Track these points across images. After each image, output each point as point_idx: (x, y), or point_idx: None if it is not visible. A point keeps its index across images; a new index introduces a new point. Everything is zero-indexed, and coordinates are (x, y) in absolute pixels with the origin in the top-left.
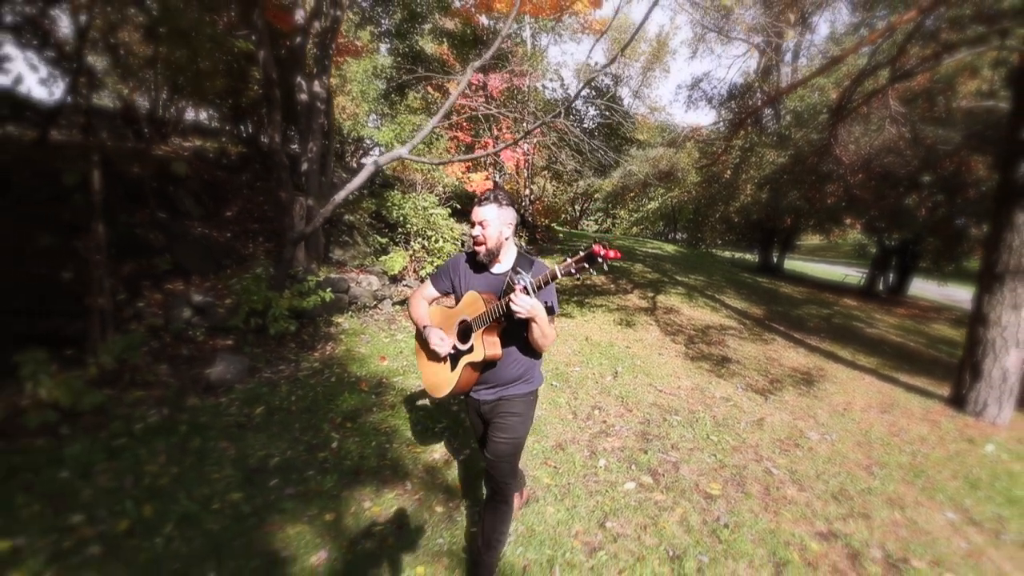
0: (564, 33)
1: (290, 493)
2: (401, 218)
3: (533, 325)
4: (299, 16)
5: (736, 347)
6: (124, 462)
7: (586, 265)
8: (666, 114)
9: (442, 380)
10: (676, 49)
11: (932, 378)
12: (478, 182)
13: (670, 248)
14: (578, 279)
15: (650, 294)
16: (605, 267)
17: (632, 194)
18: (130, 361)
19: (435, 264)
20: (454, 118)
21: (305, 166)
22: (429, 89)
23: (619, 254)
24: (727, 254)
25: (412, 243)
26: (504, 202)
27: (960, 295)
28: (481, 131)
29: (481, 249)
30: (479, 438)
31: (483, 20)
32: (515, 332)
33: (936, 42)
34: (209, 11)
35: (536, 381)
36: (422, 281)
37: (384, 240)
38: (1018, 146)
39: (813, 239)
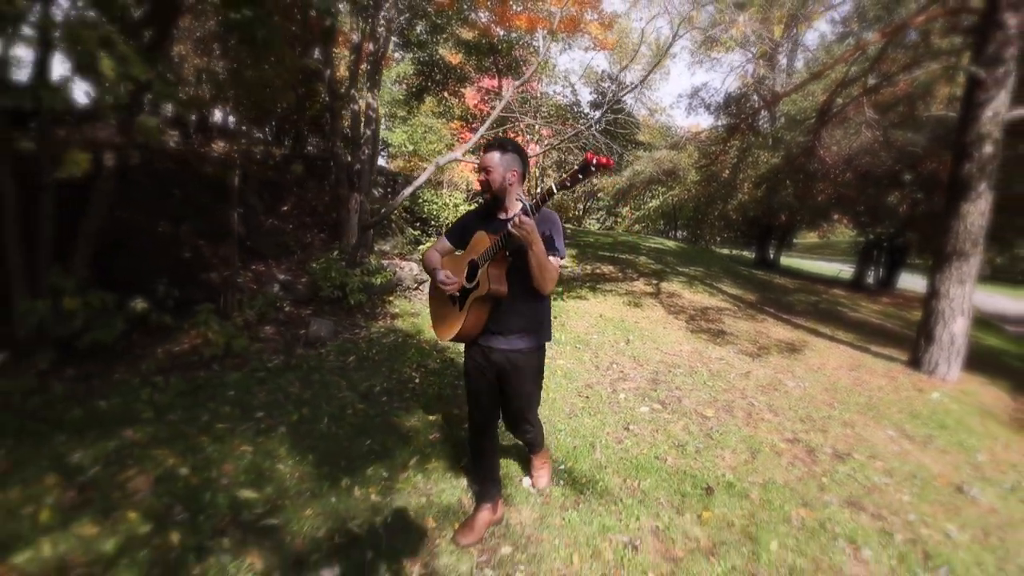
0: (574, 45)
1: (397, 406)
2: (432, 213)
3: (531, 257)
4: (355, 38)
5: (730, 323)
6: (270, 387)
7: (580, 176)
8: (666, 115)
9: (452, 321)
10: (676, 53)
11: (899, 349)
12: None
13: (671, 244)
14: (571, 188)
15: (654, 282)
16: (596, 173)
17: (635, 192)
18: (255, 319)
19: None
20: (473, 124)
21: (358, 166)
22: (445, 94)
23: (612, 161)
24: (725, 251)
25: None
26: (508, 148)
27: (910, 281)
28: (502, 133)
29: (487, 195)
30: (478, 407)
31: (498, 31)
32: (520, 278)
33: (895, 63)
34: (288, 43)
35: (544, 336)
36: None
37: (416, 232)
38: (962, 149)
39: (811, 238)
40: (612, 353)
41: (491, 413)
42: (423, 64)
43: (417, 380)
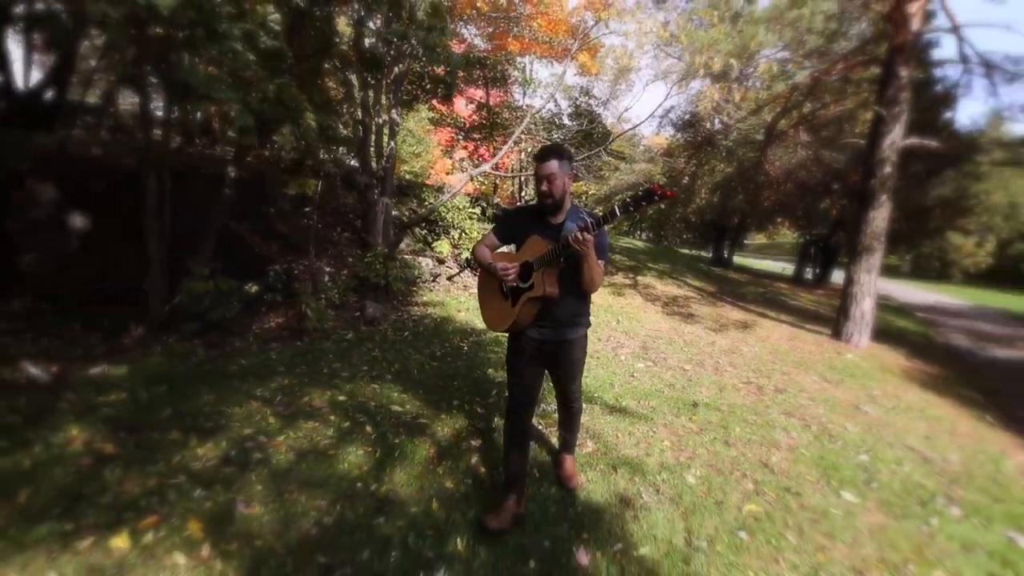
0: (563, 70)
1: (463, 363)
2: (438, 216)
3: (584, 265)
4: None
5: (696, 308)
6: (358, 352)
7: (643, 202)
8: (632, 123)
9: (504, 315)
10: (640, 68)
11: (826, 327)
12: (458, 180)
13: (640, 243)
14: (634, 213)
15: (631, 276)
16: (660, 202)
17: (616, 198)
18: (334, 301)
19: (470, 250)
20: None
21: (382, 173)
22: (434, 104)
23: (673, 194)
24: (686, 250)
25: (452, 233)
26: (564, 155)
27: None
28: (489, 141)
29: (549, 201)
30: (520, 389)
31: (480, 44)
32: (569, 277)
33: (826, 94)
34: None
35: (587, 324)
36: (466, 261)
37: (423, 232)
38: (868, 168)
39: (759, 239)
40: (607, 330)
41: (531, 396)
42: (415, 75)
43: (466, 348)
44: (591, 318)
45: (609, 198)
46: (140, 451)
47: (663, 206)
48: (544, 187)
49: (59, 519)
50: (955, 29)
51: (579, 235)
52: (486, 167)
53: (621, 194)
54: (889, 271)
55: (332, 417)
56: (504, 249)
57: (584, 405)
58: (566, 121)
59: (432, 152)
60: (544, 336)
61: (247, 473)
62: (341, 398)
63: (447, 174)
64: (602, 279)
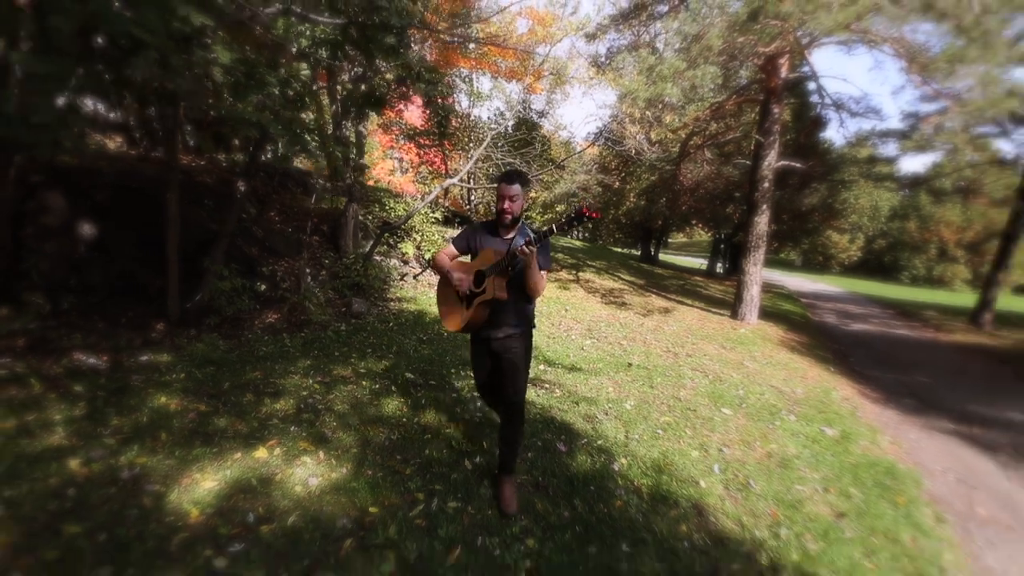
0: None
1: (447, 346)
2: (397, 219)
3: (529, 272)
4: (347, 77)
5: (629, 298)
6: (356, 340)
7: (575, 222)
8: (568, 132)
9: (458, 316)
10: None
11: (728, 310)
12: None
13: (578, 243)
14: (568, 232)
15: (574, 272)
16: (589, 224)
17: (558, 204)
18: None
19: (433, 252)
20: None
21: (351, 181)
22: (388, 112)
23: (599, 215)
24: (618, 249)
25: (414, 236)
26: (526, 181)
27: (765, 272)
28: (443, 148)
29: (508, 217)
30: (482, 383)
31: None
32: (516, 284)
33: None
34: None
35: (530, 324)
36: (429, 262)
37: (386, 236)
38: (753, 183)
39: (680, 238)
40: (559, 317)
41: (490, 386)
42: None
43: (446, 334)
44: (536, 322)
45: (554, 203)
46: (229, 407)
47: (590, 225)
48: (506, 205)
49: (202, 446)
50: (814, 76)
51: (524, 248)
52: (454, 180)
53: (561, 201)
54: (786, 265)
55: (363, 383)
56: (462, 259)
57: (546, 368)
58: (509, 129)
59: (372, 153)
60: (493, 334)
61: (320, 417)
62: (362, 371)
63: (390, 173)
64: (545, 286)
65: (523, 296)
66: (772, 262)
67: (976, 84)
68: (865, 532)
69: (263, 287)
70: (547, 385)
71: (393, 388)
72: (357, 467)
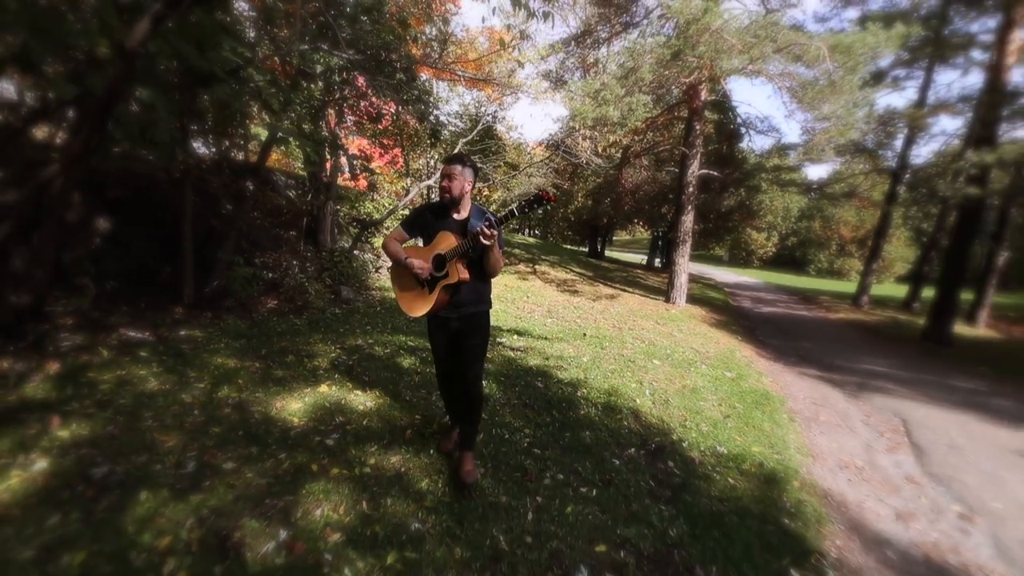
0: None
1: None
2: (367, 215)
3: (490, 254)
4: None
5: (580, 287)
6: (352, 320)
7: (536, 204)
8: (518, 133)
9: (421, 302)
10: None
11: (663, 296)
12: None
13: (531, 240)
14: (528, 213)
15: (531, 265)
16: (547, 205)
17: (513, 202)
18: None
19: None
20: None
21: (327, 181)
22: (345, 109)
23: (555, 198)
24: (568, 246)
25: (384, 231)
26: (467, 163)
27: (694, 267)
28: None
29: (446, 196)
30: (442, 360)
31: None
32: (475, 265)
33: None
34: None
35: (488, 303)
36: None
37: (355, 230)
38: (680, 187)
39: (624, 235)
40: (522, 303)
41: (450, 366)
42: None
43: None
44: (500, 307)
45: (512, 202)
46: (279, 365)
47: (548, 208)
48: (444, 183)
49: (276, 386)
50: (727, 101)
51: (486, 231)
52: (430, 181)
53: (517, 200)
54: (715, 260)
55: (376, 348)
56: (411, 243)
57: (519, 337)
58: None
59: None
60: (454, 314)
61: (353, 370)
62: (371, 341)
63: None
64: (502, 264)
65: (481, 276)
66: (704, 258)
67: (835, 115)
68: (741, 424)
69: (270, 275)
70: (522, 349)
71: (402, 351)
72: (395, 398)
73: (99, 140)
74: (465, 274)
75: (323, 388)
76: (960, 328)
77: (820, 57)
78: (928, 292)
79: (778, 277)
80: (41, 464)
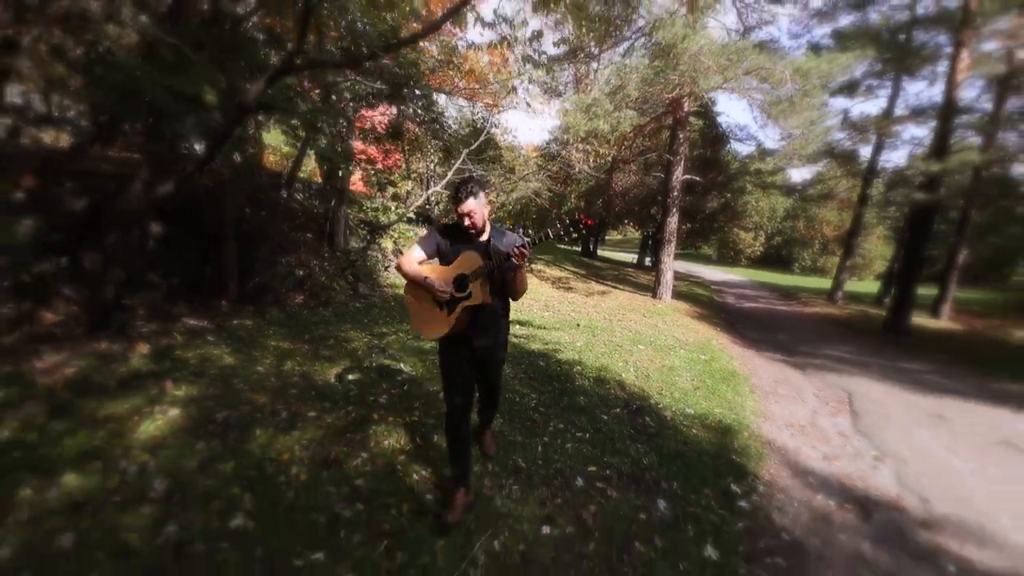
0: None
1: None
2: (375, 219)
3: (517, 276)
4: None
5: (574, 284)
6: (373, 312)
7: (571, 229)
8: (512, 136)
9: (438, 324)
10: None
11: (651, 293)
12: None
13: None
14: (564, 239)
15: (526, 264)
16: (583, 230)
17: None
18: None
19: (405, 245)
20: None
21: (340, 187)
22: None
23: (592, 221)
24: (562, 246)
25: (391, 232)
26: (478, 192)
27: (683, 265)
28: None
29: (472, 232)
30: (459, 390)
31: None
32: (498, 287)
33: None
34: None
35: (508, 326)
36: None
37: (364, 232)
38: (665, 191)
39: (617, 235)
40: (522, 299)
41: (469, 399)
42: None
43: None
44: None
45: (513, 204)
46: (324, 346)
47: (584, 231)
48: (467, 223)
49: (328, 361)
50: (708, 112)
51: (524, 251)
52: (437, 188)
53: (517, 204)
54: (705, 259)
55: (400, 334)
56: (429, 263)
57: (521, 327)
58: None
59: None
60: (479, 342)
61: (387, 351)
62: (394, 329)
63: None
64: (527, 287)
65: (503, 298)
66: (693, 257)
67: (799, 128)
68: (708, 394)
69: (300, 273)
70: (524, 336)
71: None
72: (427, 372)
73: (209, 161)
74: (488, 298)
75: (365, 364)
76: (924, 321)
77: (783, 80)
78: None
79: (764, 275)
80: (174, 412)
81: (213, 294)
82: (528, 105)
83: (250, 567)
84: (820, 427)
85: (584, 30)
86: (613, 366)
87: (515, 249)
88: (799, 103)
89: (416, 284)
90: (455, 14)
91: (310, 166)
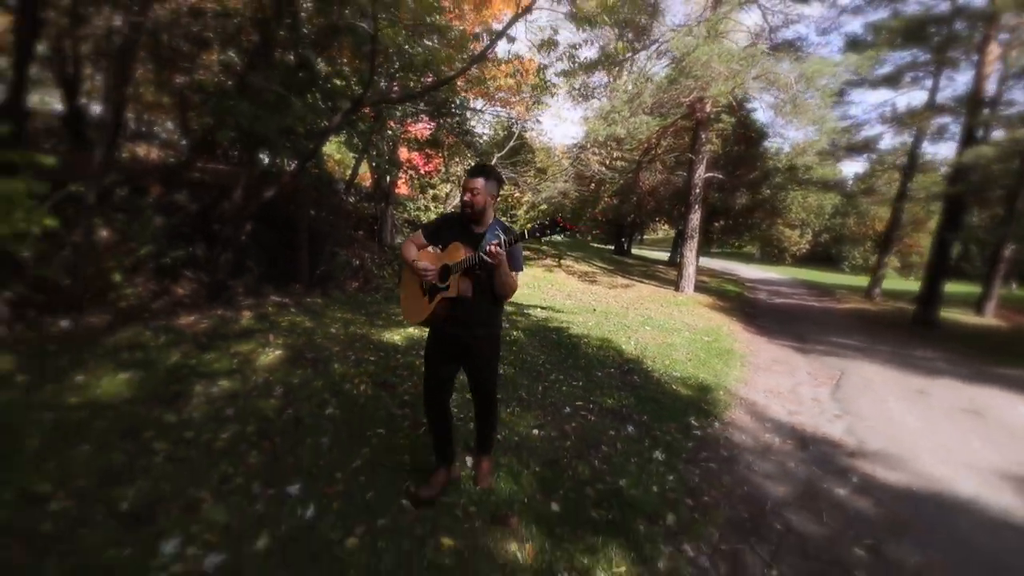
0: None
1: None
2: (417, 218)
3: (497, 272)
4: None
5: (599, 278)
6: (379, 300)
7: (548, 231)
8: (547, 137)
9: (419, 309)
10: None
11: (675, 286)
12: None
13: (558, 238)
14: (540, 239)
15: (556, 260)
16: (562, 233)
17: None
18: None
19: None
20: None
21: (387, 190)
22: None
23: (574, 226)
24: (596, 244)
25: None
26: (491, 176)
27: (720, 263)
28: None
29: (468, 210)
30: (434, 366)
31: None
32: (485, 283)
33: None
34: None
35: (497, 327)
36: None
37: (407, 230)
38: (688, 188)
39: (655, 234)
40: (546, 289)
41: (442, 386)
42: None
43: None
44: (521, 287)
45: (538, 205)
46: (378, 319)
47: (565, 235)
48: (467, 198)
49: (382, 327)
50: (734, 111)
51: (492, 249)
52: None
53: (546, 203)
54: (746, 257)
55: None
56: (430, 249)
57: (541, 310)
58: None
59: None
60: (456, 333)
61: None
62: None
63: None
64: (516, 287)
65: (491, 296)
66: (735, 255)
67: (811, 128)
68: (698, 364)
69: (356, 263)
70: (544, 317)
71: None
72: None
73: (298, 174)
74: (467, 291)
75: (411, 331)
76: (965, 317)
77: (788, 84)
78: (949, 287)
79: (807, 273)
80: (278, 352)
81: (290, 279)
82: (557, 115)
83: (339, 433)
84: (798, 393)
85: (620, 45)
86: (616, 339)
87: (488, 247)
88: (802, 105)
89: (408, 267)
90: (486, 55)
91: (361, 170)
